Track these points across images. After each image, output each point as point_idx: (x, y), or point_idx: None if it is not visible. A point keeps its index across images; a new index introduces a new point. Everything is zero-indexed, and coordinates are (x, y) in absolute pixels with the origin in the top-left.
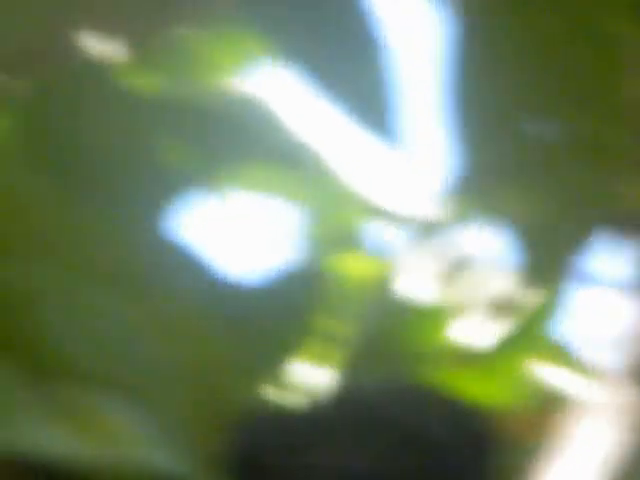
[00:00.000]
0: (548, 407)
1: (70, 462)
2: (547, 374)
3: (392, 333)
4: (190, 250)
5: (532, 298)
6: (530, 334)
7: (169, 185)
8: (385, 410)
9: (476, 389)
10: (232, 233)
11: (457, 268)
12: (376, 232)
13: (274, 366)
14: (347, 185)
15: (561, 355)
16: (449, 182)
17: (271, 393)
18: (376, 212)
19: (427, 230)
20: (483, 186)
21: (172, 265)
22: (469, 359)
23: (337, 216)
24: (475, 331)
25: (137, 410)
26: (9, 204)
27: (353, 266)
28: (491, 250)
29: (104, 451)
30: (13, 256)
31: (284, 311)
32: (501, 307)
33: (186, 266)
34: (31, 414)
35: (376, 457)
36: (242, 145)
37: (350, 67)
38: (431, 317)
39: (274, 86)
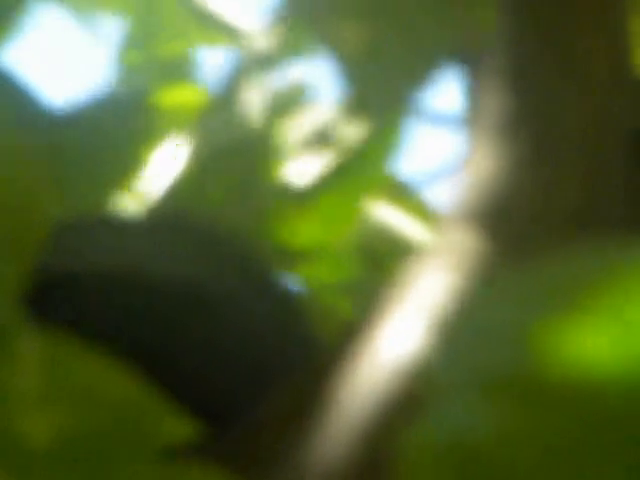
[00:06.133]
0: (381, 245)
1: None
2: (382, 213)
3: (216, 168)
4: (5, 75)
5: (358, 132)
6: (361, 171)
7: None
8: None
9: (303, 228)
10: (49, 55)
11: (285, 100)
12: (204, 61)
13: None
14: (177, 12)
15: (398, 193)
16: (278, 10)
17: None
18: (206, 38)
19: (255, 61)
20: (314, 14)
21: None
22: (294, 197)
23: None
24: (300, 168)
25: None
26: None
27: (180, 97)
28: (320, 82)
29: None
30: None
31: (103, 141)
32: (326, 142)
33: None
34: None
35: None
36: None
37: None
38: (257, 153)
39: None
